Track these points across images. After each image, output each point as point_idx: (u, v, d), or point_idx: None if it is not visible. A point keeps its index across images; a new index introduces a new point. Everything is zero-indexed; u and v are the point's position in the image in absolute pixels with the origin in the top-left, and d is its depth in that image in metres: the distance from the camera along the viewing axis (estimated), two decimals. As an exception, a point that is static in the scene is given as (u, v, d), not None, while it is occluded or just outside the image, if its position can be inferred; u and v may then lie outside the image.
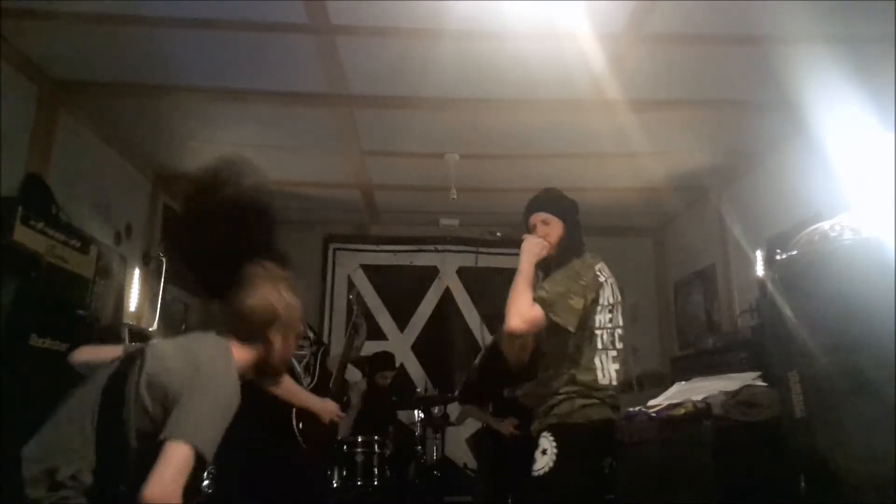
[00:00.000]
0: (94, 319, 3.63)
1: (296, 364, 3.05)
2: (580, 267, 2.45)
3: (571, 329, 2.33)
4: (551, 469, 2.29)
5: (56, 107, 3.69)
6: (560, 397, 2.40)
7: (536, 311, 2.29)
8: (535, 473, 2.32)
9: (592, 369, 2.39)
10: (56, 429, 1.75)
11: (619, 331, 2.49)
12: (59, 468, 1.66)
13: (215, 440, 1.73)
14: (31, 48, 3.36)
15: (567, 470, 2.29)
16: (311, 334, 3.22)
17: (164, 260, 4.70)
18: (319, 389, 3.46)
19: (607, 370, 2.42)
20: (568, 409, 2.37)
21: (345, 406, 3.27)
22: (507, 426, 3.99)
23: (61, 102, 3.73)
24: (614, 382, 2.43)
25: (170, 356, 1.81)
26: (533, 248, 2.50)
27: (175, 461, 1.62)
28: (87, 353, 2.05)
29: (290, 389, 2.72)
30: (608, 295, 2.47)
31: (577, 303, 2.35)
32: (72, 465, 1.67)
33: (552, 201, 2.64)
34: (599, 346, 2.41)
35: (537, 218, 2.61)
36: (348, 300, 3.62)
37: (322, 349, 3.37)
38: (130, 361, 1.80)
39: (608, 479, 2.51)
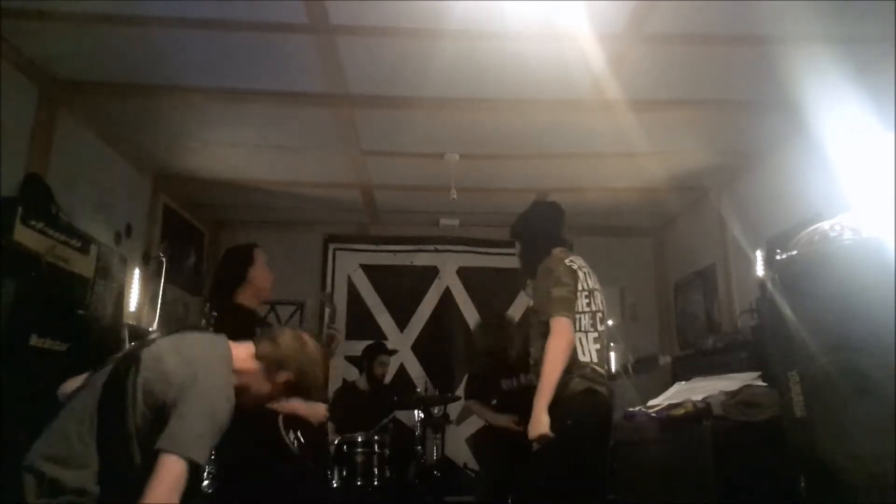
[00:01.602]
0: (94, 319, 3.63)
1: None
2: (550, 263, 2.72)
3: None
4: (547, 448, 2.43)
5: (56, 107, 3.69)
6: None
7: (567, 325, 2.55)
8: (535, 451, 2.51)
9: (574, 349, 2.57)
10: (56, 438, 1.74)
11: (599, 314, 2.71)
12: (62, 478, 1.66)
13: (210, 448, 1.74)
14: (31, 48, 3.36)
15: (559, 441, 2.41)
16: None
17: (164, 260, 4.70)
18: None
19: (588, 349, 2.61)
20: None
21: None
22: (506, 421, 3.98)
23: (61, 102, 3.73)
24: (594, 359, 2.61)
25: (167, 361, 1.80)
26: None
27: (170, 474, 1.63)
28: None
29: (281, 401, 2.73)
30: (583, 281, 2.69)
31: (568, 291, 2.62)
32: (77, 476, 1.67)
33: (516, 224, 3.01)
34: (579, 327, 2.61)
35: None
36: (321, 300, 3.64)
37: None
38: (126, 366, 1.79)
39: (606, 468, 2.62)
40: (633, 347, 5.41)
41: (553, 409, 2.44)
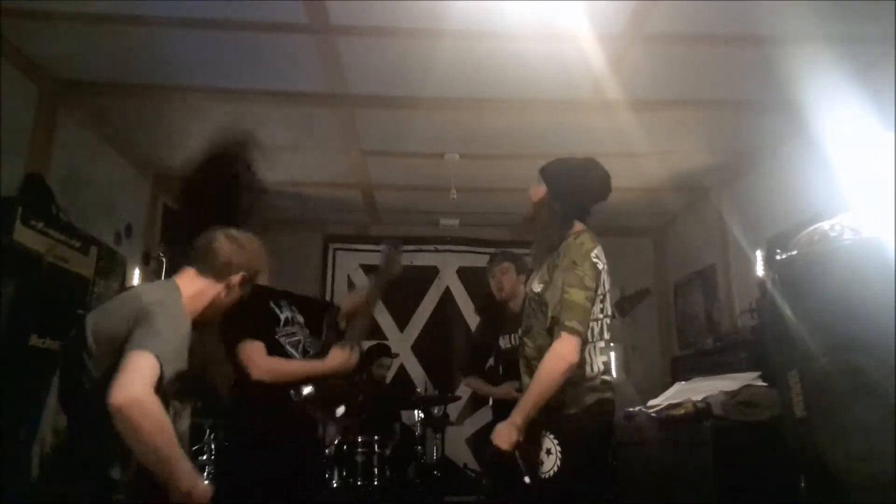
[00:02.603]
0: (94, 319, 3.63)
1: (289, 348, 3.00)
2: (574, 251, 2.31)
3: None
4: (559, 468, 2.24)
5: (56, 107, 3.69)
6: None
7: (575, 341, 2.19)
8: (544, 476, 2.27)
9: (581, 364, 2.27)
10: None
11: (606, 321, 2.38)
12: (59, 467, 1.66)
13: (176, 354, 1.68)
14: (31, 48, 3.36)
15: (573, 468, 2.23)
16: (300, 317, 3.13)
17: (164, 260, 4.70)
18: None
19: (596, 363, 2.32)
20: (560, 400, 2.34)
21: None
22: (506, 391, 3.82)
23: (61, 102, 3.73)
24: (601, 370, 2.34)
25: (112, 305, 1.80)
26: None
27: (137, 366, 1.55)
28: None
29: (288, 371, 2.71)
30: (604, 283, 2.33)
31: (585, 298, 2.24)
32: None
33: (551, 165, 2.55)
34: (588, 338, 2.29)
35: (532, 183, 2.55)
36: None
37: (326, 312, 3.28)
38: (74, 336, 1.78)
39: (612, 472, 2.48)
40: (633, 347, 5.38)
41: (565, 425, 2.28)
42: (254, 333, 2.72)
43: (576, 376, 2.29)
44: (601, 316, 2.37)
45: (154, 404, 1.53)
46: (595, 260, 2.32)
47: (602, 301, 2.35)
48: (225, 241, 1.98)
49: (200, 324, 1.94)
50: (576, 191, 2.53)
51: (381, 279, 3.14)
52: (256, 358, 2.68)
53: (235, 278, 1.98)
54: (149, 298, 1.76)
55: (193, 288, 1.92)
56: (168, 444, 1.55)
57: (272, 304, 2.95)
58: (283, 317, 3.00)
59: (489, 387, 3.86)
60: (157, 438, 1.52)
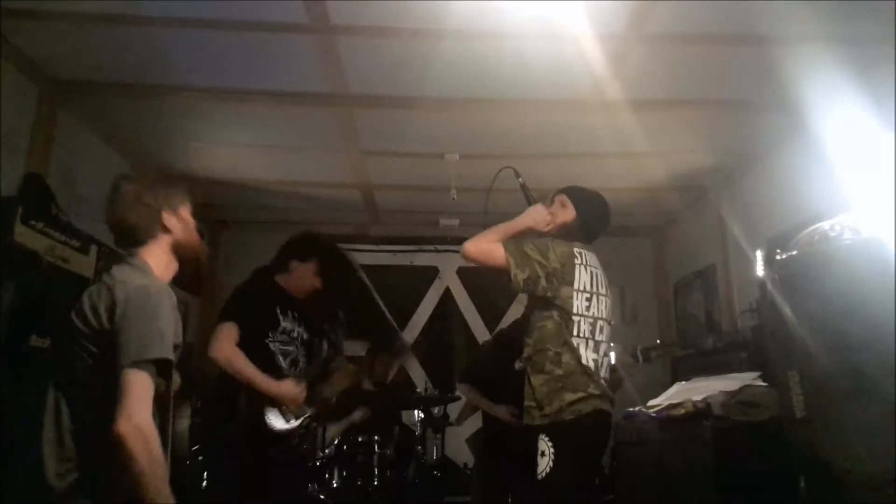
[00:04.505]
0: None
1: (279, 356, 3.02)
2: (560, 243, 2.54)
3: (514, 270, 2.42)
4: (551, 469, 2.33)
5: (56, 107, 3.69)
6: (544, 390, 2.42)
7: (496, 248, 2.46)
8: (539, 476, 2.36)
9: (571, 355, 2.41)
10: (47, 420, 1.74)
11: (600, 322, 2.51)
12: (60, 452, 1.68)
13: (168, 341, 1.72)
14: (31, 48, 3.36)
15: (564, 469, 2.32)
16: (304, 335, 3.17)
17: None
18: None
19: (587, 358, 2.43)
20: (558, 407, 2.38)
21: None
22: (504, 412, 3.89)
23: (61, 102, 3.73)
24: (591, 369, 2.43)
25: (88, 298, 1.80)
26: (534, 215, 2.65)
27: (132, 388, 1.62)
28: None
29: (239, 368, 2.71)
30: (585, 280, 2.50)
31: (534, 253, 2.44)
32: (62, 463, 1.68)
33: (578, 191, 2.77)
34: (577, 332, 2.43)
35: (558, 196, 2.75)
36: None
37: (329, 349, 3.32)
38: (63, 327, 1.80)
39: (607, 476, 2.52)
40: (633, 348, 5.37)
41: (561, 431, 2.36)
42: (240, 321, 2.75)
43: (567, 370, 2.40)
44: (588, 313, 2.47)
45: (152, 434, 1.62)
46: (576, 252, 2.51)
47: (588, 300, 2.48)
48: (128, 197, 1.92)
49: (193, 267, 1.97)
50: (601, 218, 2.75)
51: (381, 361, 3.30)
52: (224, 339, 2.74)
53: (168, 217, 1.93)
54: (117, 291, 1.74)
55: (151, 257, 1.89)
56: (156, 476, 1.62)
57: (277, 310, 2.97)
58: (282, 325, 3.01)
59: (487, 402, 3.95)
60: (148, 469, 1.60)
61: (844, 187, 3.00)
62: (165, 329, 1.73)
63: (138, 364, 1.64)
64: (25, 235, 3.16)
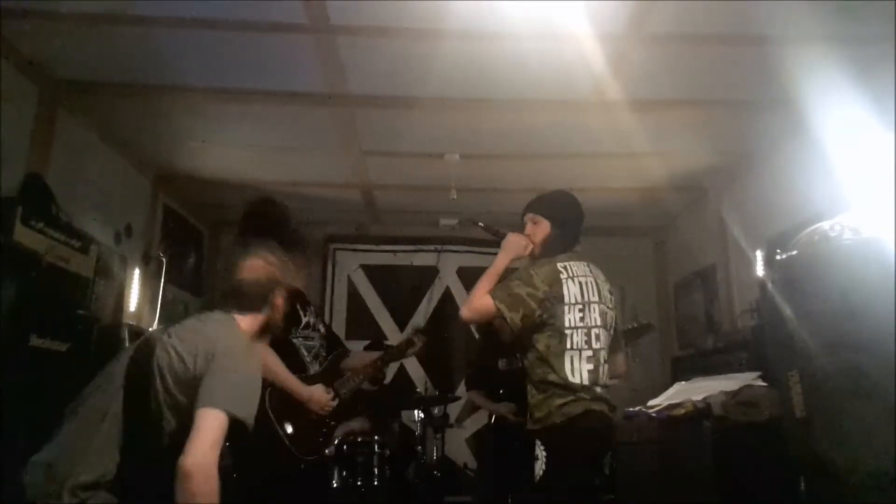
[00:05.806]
0: (94, 319, 3.63)
1: (303, 350, 3.02)
2: (542, 263, 2.52)
3: (508, 315, 2.41)
4: (544, 473, 2.35)
5: (56, 107, 3.69)
6: (539, 397, 2.43)
7: (486, 301, 2.44)
8: (535, 480, 2.38)
9: (563, 368, 2.39)
10: (75, 435, 1.72)
11: (595, 331, 2.46)
12: (79, 474, 1.65)
13: (251, 405, 1.74)
14: (31, 48, 3.35)
15: (557, 472, 2.33)
16: (321, 326, 3.20)
17: (164, 260, 4.70)
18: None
19: (578, 370, 2.40)
20: (547, 412, 2.39)
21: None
22: (506, 410, 3.90)
23: (61, 102, 3.73)
24: (586, 382, 2.40)
25: (183, 344, 1.80)
26: (513, 246, 2.62)
27: (210, 428, 1.62)
28: None
29: (274, 369, 2.71)
30: (574, 293, 2.45)
31: (520, 287, 2.43)
32: (94, 470, 1.66)
33: (543, 202, 2.70)
34: (569, 345, 2.40)
35: (528, 217, 2.71)
36: None
37: (340, 350, 3.32)
38: (144, 356, 1.78)
39: (608, 477, 2.51)
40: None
41: (552, 435, 2.37)
42: None
43: (558, 382, 2.40)
44: (582, 324, 2.44)
45: (214, 474, 1.62)
46: (560, 268, 2.47)
47: (582, 311, 2.44)
48: (260, 270, 2.01)
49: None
50: (575, 217, 2.67)
51: (392, 356, 3.34)
52: None
53: (278, 299, 2.03)
54: (221, 342, 1.78)
55: (248, 323, 1.96)
56: None
57: (298, 306, 2.98)
58: (304, 320, 3.03)
59: (491, 403, 4.03)
60: None
61: (844, 187, 2.99)
62: (256, 394, 1.76)
63: (217, 405, 1.65)
64: (25, 235, 3.16)
